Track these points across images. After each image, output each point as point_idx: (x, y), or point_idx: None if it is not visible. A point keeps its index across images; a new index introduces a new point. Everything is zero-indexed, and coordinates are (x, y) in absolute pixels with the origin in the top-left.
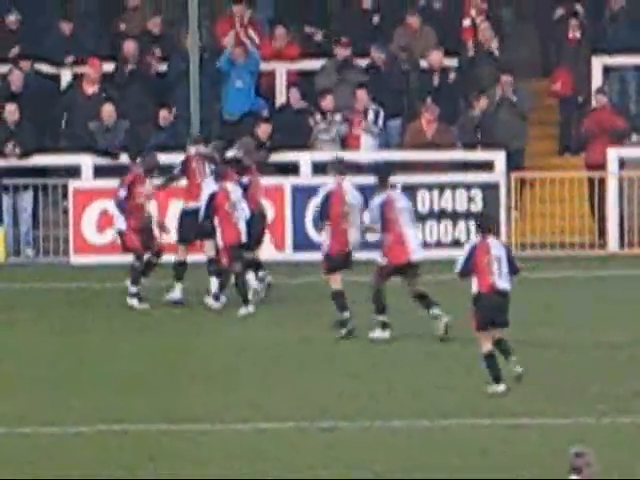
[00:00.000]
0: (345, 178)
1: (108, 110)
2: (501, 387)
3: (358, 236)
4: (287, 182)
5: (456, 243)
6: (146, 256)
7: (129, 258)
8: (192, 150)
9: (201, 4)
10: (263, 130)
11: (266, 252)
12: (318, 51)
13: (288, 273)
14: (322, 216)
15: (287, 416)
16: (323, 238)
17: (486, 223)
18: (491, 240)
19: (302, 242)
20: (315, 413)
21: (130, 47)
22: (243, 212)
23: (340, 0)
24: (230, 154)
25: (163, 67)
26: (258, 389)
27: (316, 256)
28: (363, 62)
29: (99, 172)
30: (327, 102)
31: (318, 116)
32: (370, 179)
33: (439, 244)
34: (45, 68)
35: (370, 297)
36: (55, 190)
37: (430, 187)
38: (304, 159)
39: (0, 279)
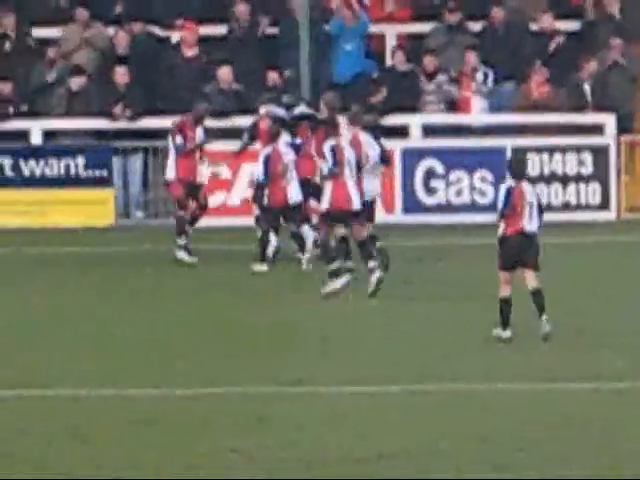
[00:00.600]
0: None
1: (224, 73)
2: (507, 333)
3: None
4: (397, 145)
5: (566, 206)
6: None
7: (239, 220)
8: (262, 111)
9: None
10: (376, 93)
11: (377, 215)
12: (429, 14)
13: (399, 236)
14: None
15: (392, 379)
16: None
17: (519, 168)
18: (525, 185)
19: (412, 205)
20: (419, 376)
21: (241, 9)
22: (292, 175)
23: None
24: (298, 111)
25: (272, 30)
26: (362, 354)
27: (425, 218)
28: (475, 25)
29: (208, 134)
30: (429, 62)
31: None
32: (480, 141)
33: (549, 207)
34: (155, 30)
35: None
36: (165, 153)
37: (540, 150)
38: (414, 122)
39: (110, 241)
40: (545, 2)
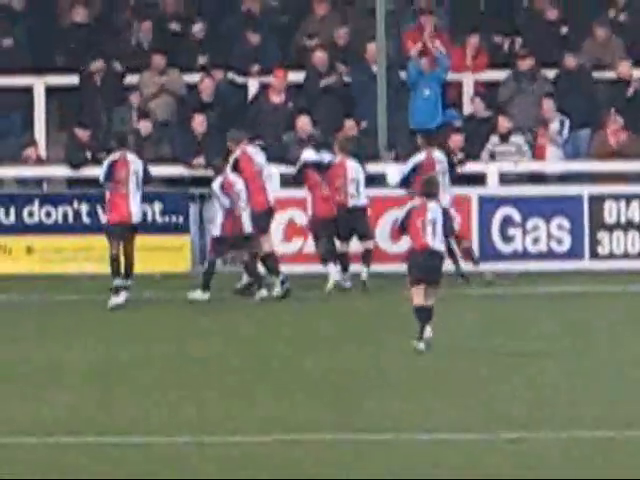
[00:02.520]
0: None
1: (303, 122)
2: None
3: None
4: (474, 192)
5: None
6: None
7: (312, 267)
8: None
9: (388, 14)
10: (455, 140)
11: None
12: (504, 61)
13: (476, 282)
14: None
15: (469, 426)
16: None
17: (429, 188)
18: (430, 204)
19: (489, 252)
20: (500, 423)
21: (319, 57)
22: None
23: (527, 11)
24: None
25: (349, 78)
26: (435, 398)
27: (503, 266)
28: (550, 72)
29: (285, 182)
30: (502, 123)
31: (495, 138)
32: (557, 189)
33: (626, 255)
34: (236, 77)
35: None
36: None
37: (617, 198)
38: (491, 169)
39: (186, 287)
40: (622, 49)
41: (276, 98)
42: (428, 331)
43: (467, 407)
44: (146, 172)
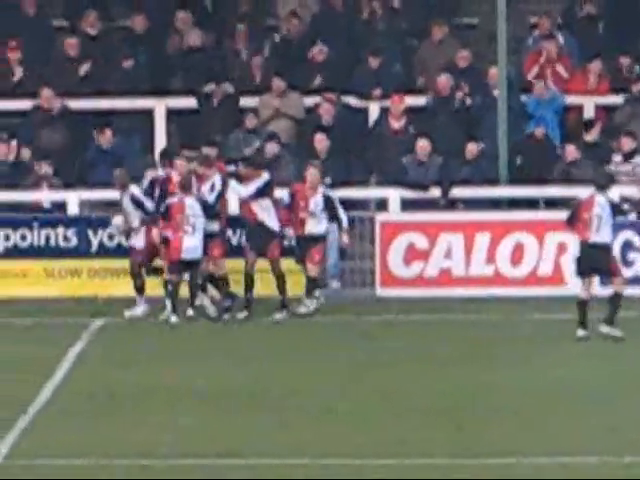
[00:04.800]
0: None
1: (423, 145)
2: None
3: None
4: None
5: None
6: None
7: (431, 291)
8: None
9: (509, 39)
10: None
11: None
12: (622, 86)
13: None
14: None
15: (591, 450)
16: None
17: (599, 179)
18: (599, 198)
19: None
20: (623, 448)
21: (443, 81)
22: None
23: None
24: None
25: (470, 101)
26: (561, 423)
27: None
28: None
29: (406, 205)
30: (625, 143)
31: (618, 158)
32: None
33: None
34: (352, 101)
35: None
36: (362, 223)
37: None
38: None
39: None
40: None
41: (395, 123)
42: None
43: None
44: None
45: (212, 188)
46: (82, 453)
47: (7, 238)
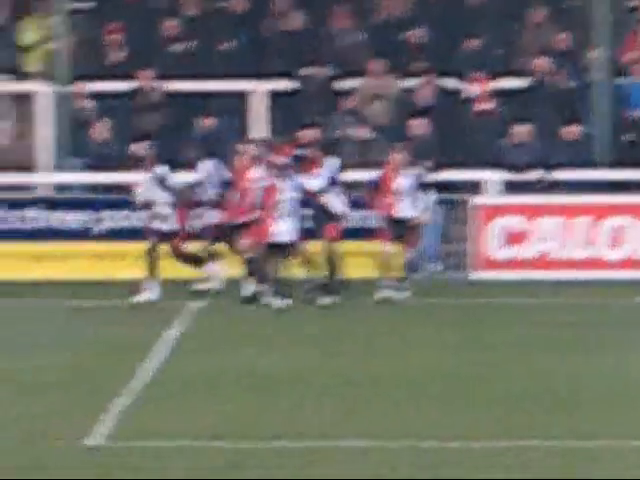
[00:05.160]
0: None
1: (521, 128)
2: None
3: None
4: None
5: None
6: None
7: (527, 274)
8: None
9: (608, 23)
10: None
11: None
12: None
13: None
14: None
15: None
16: None
17: None
18: None
19: None
20: None
21: (541, 64)
22: None
23: None
24: None
25: (568, 84)
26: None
27: None
28: None
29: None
30: None
31: None
32: None
33: None
34: (451, 83)
35: None
36: (458, 205)
37: None
38: None
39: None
40: None
41: (483, 105)
42: None
43: None
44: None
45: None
46: (183, 434)
47: (108, 219)
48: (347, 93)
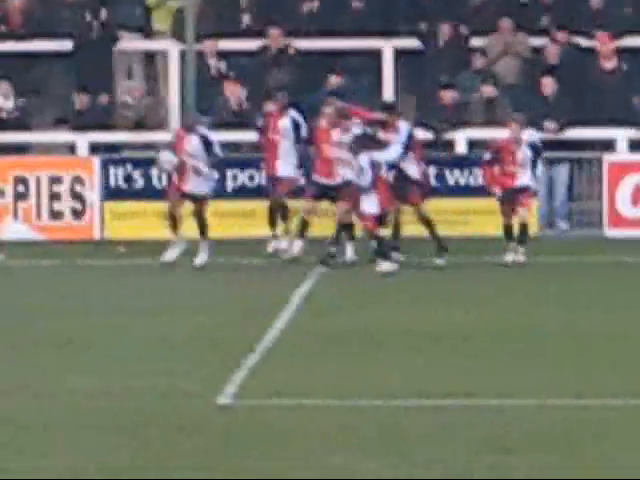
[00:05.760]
0: None
1: None
2: None
3: None
4: None
5: None
6: None
7: None
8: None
9: None
10: None
11: None
12: None
13: None
14: None
15: None
16: None
17: None
18: None
19: None
20: None
21: None
22: None
23: None
24: None
25: None
26: None
27: None
28: None
29: (634, 146)
30: None
31: None
32: None
33: None
34: (581, 41)
35: None
36: (590, 164)
37: None
38: None
39: (534, 252)
40: None
41: (607, 63)
42: None
43: None
44: None
45: None
46: (312, 393)
47: (234, 178)
48: (476, 51)
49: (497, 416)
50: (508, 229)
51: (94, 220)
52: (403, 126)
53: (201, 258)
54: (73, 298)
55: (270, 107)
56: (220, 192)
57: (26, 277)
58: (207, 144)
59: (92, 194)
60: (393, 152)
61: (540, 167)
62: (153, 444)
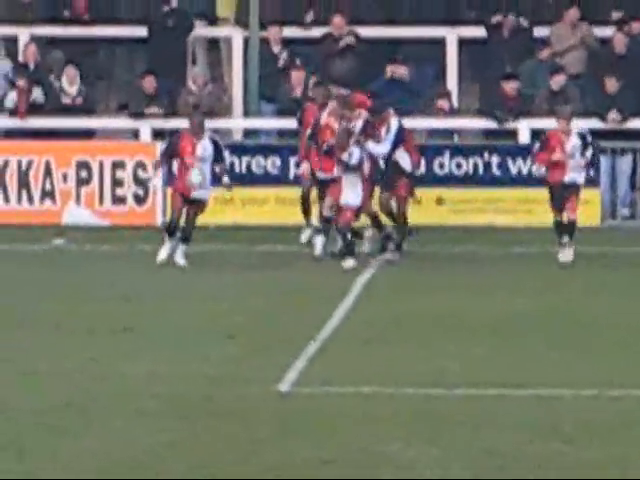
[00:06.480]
0: None
1: None
2: None
3: None
4: None
5: None
6: None
7: None
8: None
9: None
10: None
11: None
12: None
13: None
14: None
15: None
16: None
17: None
18: None
19: None
20: None
21: None
22: None
23: None
24: None
25: None
26: None
27: None
28: None
29: None
30: None
31: None
32: None
33: None
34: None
35: None
36: None
37: None
38: None
39: (598, 242)
40: None
41: None
42: None
43: None
44: None
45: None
46: (370, 381)
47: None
48: (541, 41)
49: (554, 405)
50: (559, 225)
51: (157, 206)
52: (393, 122)
53: (165, 255)
54: (130, 284)
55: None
56: (282, 179)
57: (86, 262)
58: (218, 150)
59: (155, 179)
60: (384, 147)
61: (589, 153)
62: (212, 429)
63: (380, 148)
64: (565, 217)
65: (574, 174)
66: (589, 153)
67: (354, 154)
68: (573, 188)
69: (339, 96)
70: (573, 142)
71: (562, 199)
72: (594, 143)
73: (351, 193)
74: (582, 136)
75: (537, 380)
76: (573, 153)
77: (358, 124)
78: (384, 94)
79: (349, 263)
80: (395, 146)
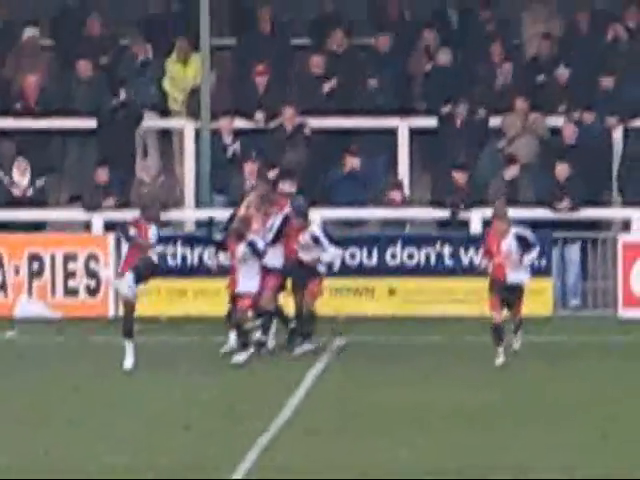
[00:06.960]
0: None
1: None
2: None
3: None
4: None
5: None
6: None
7: None
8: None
9: None
10: None
11: None
12: None
13: None
14: None
15: None
16: None
17: None
18: None
19: None
20: None
21: None
22: None
23: None
24: None
25: None
26: None
27: None
28: None
29: None
30: None
31: None
32: None
33: None
34: (594, 122)
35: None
36: (604, 243)
37: None
38: None
39: (547, 331)
40: None
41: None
42: None
43: None
44: None
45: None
46: (325, 470)
47: None
48: (493, 131)
49: None
50: (497, 328)
51: (109, 297)
52: (316, 228)
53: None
54: (82, 376)
55: (285, 187)
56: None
57: (38, 355)
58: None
59: (107, 271)
60: (333, 250)
61: (530, 258)
62: None
63: (333, 253)
64: (509, 316)
65: (515, 274)
66: (530, 257)
67: (258, 243)
68: (517, 290)
69: (262, 191)
70: (509, 242)
71: (503, 298)
72: (538, 243)
73: (248, 281)
74: (520, 238)
75: (495, 466)
76: (509, 253)
77: (277, 221)
78: (340, 187)
79: (240, 357)
80: (276, 240)
